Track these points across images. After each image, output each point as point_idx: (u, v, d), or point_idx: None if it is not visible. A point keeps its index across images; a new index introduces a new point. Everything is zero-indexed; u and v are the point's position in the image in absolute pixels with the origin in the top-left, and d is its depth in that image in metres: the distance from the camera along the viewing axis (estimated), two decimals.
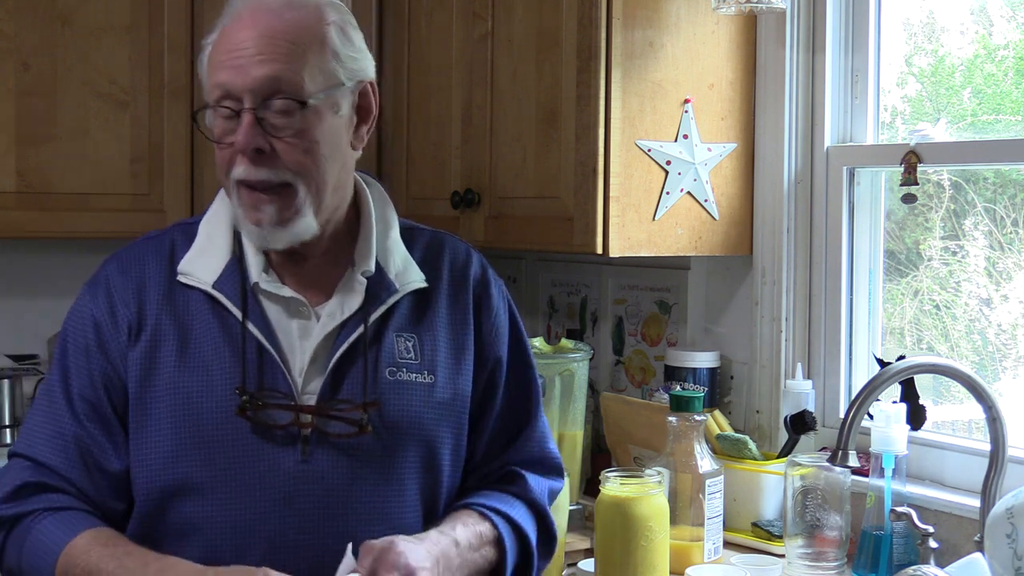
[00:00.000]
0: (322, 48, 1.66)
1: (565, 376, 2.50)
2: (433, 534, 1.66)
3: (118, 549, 1.62)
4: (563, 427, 2.51)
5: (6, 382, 3.13)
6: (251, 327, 1.67)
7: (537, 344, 2.55)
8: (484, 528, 1.73)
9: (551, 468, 1.89)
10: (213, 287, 1.70)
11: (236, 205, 1.68)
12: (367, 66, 1.74)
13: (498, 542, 1.74)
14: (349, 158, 1.74)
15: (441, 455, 1.74)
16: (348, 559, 1.57)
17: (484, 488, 1.81)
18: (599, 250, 2.43)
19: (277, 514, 1.64)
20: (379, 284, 1.74)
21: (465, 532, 1.70)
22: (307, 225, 1.68)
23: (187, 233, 1.77)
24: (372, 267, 1.74)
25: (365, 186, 1.82)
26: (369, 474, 1.68)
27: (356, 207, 1.79)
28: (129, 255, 1.77)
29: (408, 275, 1.76)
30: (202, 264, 1.72)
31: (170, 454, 1.65)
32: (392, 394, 1.70)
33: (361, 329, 1.70)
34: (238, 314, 1.68)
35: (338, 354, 1.68)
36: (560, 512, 2.20)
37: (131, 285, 1.72)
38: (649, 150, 2.45)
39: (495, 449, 1.83)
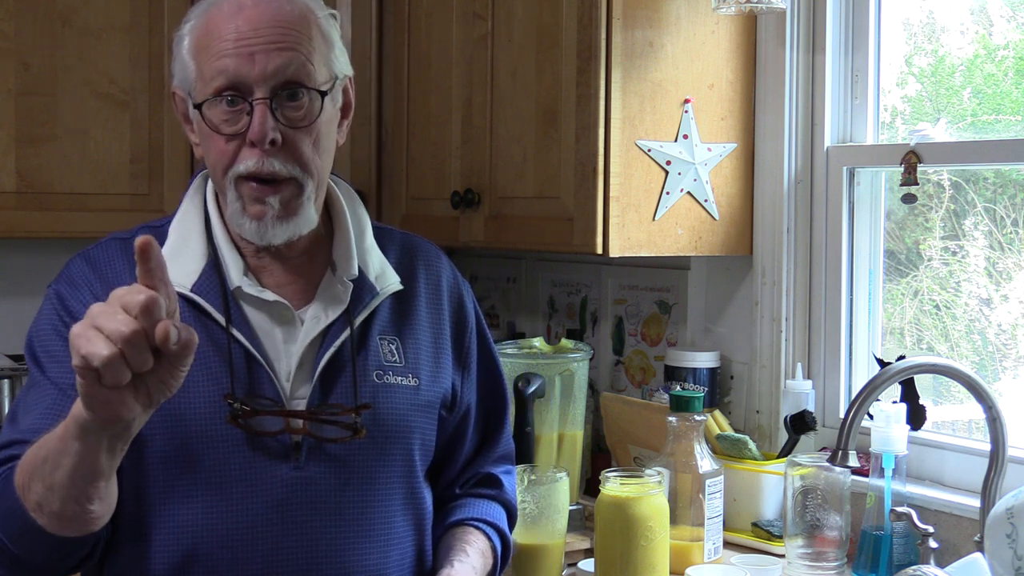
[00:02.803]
0: (324, 40, 1.65)
1: (565, 376, 2.50)
2: (459, 567, 1.71)
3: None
4: (563, 427, 2.51)
5: (6, 382, 3.13)
6: (236, 333, 1.63)
7: (537, 344, 2.55)
8: (484, 545, 1.80)
9: (512, 459, 1.95)
10: (192, 291, 1.64)
11: (234, 200, 1.63)
12: (347, 61, 1.72)
13: (493, 550, 1.82)
14: (334, 152, 1.73)
15: (415, 453, 1.73)
16: None
17: (468, 495, 1.86)
18: (599, 250, 2.43)
19: (269, 521, 1.61)
20: (361, 287, 1.71)
21: (476, 555, 1.76)
22: (308, 218, 1.65)
23: (155, 236, 1.68)
24: (356, 271, 1.71)
25: (333, 184, 1.78)
26: (359, 478, 1.66)
27: (326, 206, 1.76)
28: (96, 254, 1.70)
29: (386, 278, 1.74)
30: (177, 267, 1.62)
31: (160, 460, 1.60)
32: (381, 397, 1.68)
33: (348, 332, 1.67)
34: (221, 319, 1.63)
35: (326, 358, 1.65)
36: (560, 512, 2.20)
37: (103, 282, 1.65)
38: (649, 150, 2.45)
39: (472, 454, 1.87)
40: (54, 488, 1.43)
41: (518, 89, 2.65)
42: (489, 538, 1.81)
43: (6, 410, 3.09)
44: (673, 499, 2.19)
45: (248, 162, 1.60)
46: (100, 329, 1.23)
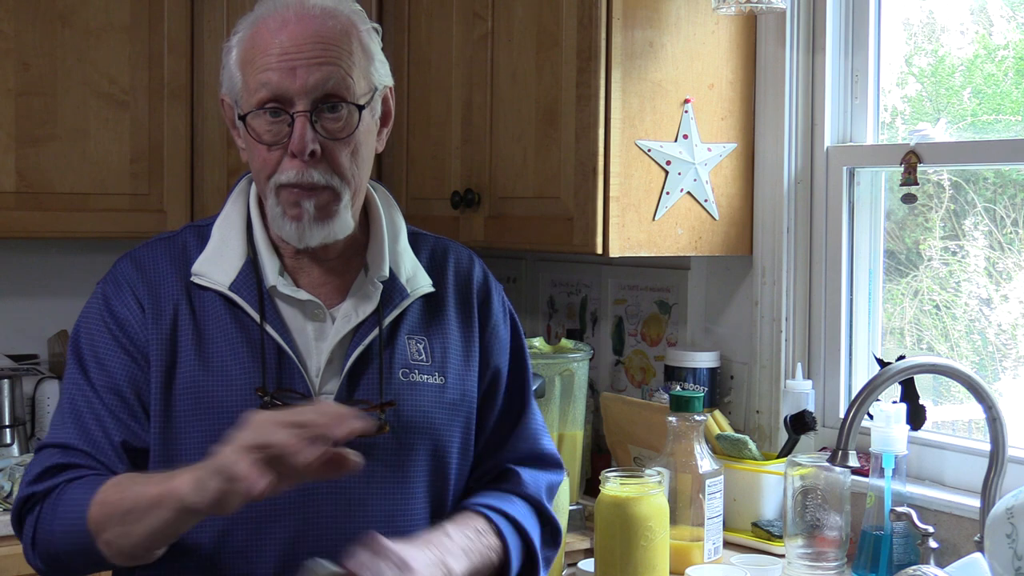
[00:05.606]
0: (364, 53, 1.71)
1: (565, 376, 2.50)
2: (420, 534, 1.68)
3: (133, 476, 1.65)
4: (563, 427, 2.51)
5: (6, 382, 3.12)
6: (269, 329, 1.70)
7: (537, 344, 2.55)
8: (480, 523, 1.74)
9: (547, 462, 1.89)
10: (229, 289, 1.72)
11: (274, 205, 1.70)
12: (388, 71, 1.78)
13: (498, 534, 1.74)
14: (373, 160, 1.79)
15: (449, 456, 1.77)
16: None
17: (479, 489, 1.84)
18: (599, 250, 2.44)
19: (294, 513, 1.66)
20: (391, 288, 1.76)
21: (456, 526, 1.71)
22: (345, 223, 1.71)
23: (199, 235, 1.79)
24: (387, 272, 1.76)
25: (372, 190, 1.84)
26: (383, 474, 1.70)
27: (364, 210, 1.82)
28: (142, 255, 1.78)
29: (417, 280, 1.80)
30: (217, 266, 1.73)
31: (195, 449, 1.66)
32: (406, 395, 1.73)
33: (376, 331, 1.73)
34: (256, 316, 1.70)
35: (354, 355, 1.71)
36: (560, 512, 2.20)
37: (147, 282, 1.74)
38: (649, 150, 2.45)
39: (490, 450, 1.86)
40: (131, 536, 1.58)
41: (518, 89, 2.65)
42: (490, 519, 1.74)
43: (6, 411, 3.09)
44: (673, 499, 2.19)
45: (289, 172, 1.67)
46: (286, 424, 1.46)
